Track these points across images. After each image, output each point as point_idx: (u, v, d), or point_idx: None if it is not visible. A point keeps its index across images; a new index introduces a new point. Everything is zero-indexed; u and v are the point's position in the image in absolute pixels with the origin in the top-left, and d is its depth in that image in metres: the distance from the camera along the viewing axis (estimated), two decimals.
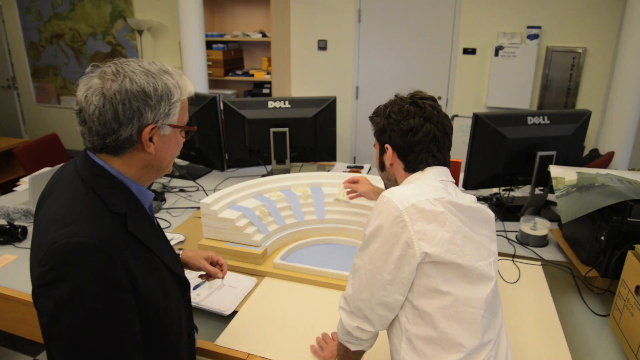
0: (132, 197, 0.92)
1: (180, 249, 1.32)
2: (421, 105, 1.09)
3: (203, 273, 1.30)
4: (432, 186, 1.03)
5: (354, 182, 1.75)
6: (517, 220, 2.03)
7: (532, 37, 3.94)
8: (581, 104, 4.01)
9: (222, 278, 1.29)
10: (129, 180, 0.92)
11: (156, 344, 0.94)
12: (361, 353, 1.15)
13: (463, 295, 0.96)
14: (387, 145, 1.12)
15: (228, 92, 4.74)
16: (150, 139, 0.90)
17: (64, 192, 0.89)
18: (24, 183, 2.45)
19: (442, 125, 1.09)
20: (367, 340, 1.06)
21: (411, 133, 1.07)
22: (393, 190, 1.01)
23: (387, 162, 1.14)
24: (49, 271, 0.78)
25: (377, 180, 2.08)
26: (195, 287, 1.50)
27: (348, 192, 1.81)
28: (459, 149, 4.53)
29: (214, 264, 1.31)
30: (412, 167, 1.10)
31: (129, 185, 0.92)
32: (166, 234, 1.50)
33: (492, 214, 1.11)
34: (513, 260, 1.74)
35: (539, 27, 3.91)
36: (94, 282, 0.79)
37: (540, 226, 1.89)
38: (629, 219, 1.44)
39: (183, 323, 1.04)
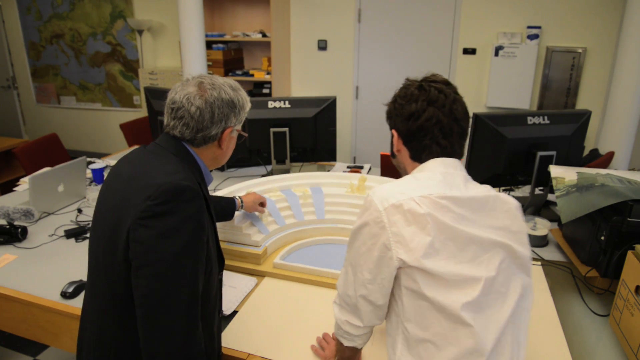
0: (201, 174, 1.11)
1: (237, 197, 1.72)
2: (426, 88, 1.04)
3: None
4: (426, 180, 0.98)
5: None
6: None
7: (532, 37, 3.94)
8: (581, 104, 4.01)
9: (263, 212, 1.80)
10: (201, 161, 1.11)
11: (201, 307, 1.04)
12: (356, 350, 1.15)
13: (448, 300, 0.91)
14: (393, 131, 1.09)
15: None
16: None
17: (156, 156, 1.05)
18: (24, 183, 2.45)
19: (450, 110, 1.02)
20: (358, 336, 1.07)
21: (413, 118, 1.03)
22: (378, 188, 0.99)
23: (394, 149, 1.11)
24: (159, 205, 0.92)
25: (378, 180, 2.08)
26: None
27: None
28: None
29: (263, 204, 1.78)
30: (417, 154, 1.05)
31: (200, 165, 1.11)
32: None
33: (510, 202, 1.02)
34: None
35: (539, 27, 3.91)
36: (192, 220, 0.95)
37: (540, 226, 1.89)
38: (629, 219, 1.44)
39: (218, 298, 1.16)
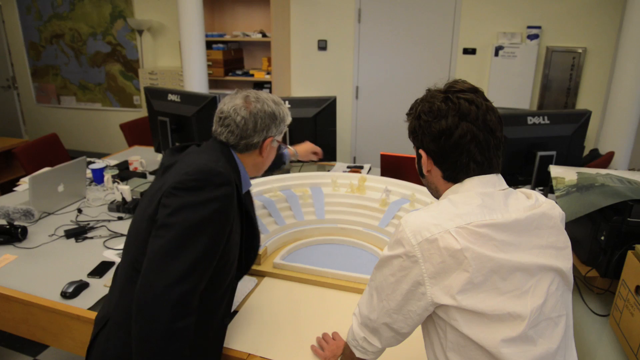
0: (239, 178, 1.22)
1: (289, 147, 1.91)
2: (454, 101, 0.93)
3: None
4: (463, 205, 0.89)
5: None
6: None
7: (532, 37, 3.94)
8: (581, 104, 4.01)
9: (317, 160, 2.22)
10: (242, 165, 1.26)
11: (202, 306, 1.10)
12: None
13: (487, 337, 0.85)
14: (421, 151, 0.99)
15: (228, 92, 4.71)
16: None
17: (205, 150, 1.21)
18: (24, 183, 2.45)
19: (484, 122, 0.92)
20: (372, 352, 1.03)
21: (444, 136, 0.93)
22: (410, 217, 0.90)
23: (424, 169, 1.01)
24: (192, 180, 1.06)
25: (378, 180, 2.08)
26: None
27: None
28: None
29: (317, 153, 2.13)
30: (452, 174, 0.96)
31: (240, 168, 1.25)
32: None
33: (555, 216, 0.94)
34: None
35: (539, 27, 3.91)
36: (216, 201, 1.05)
37: None
38: (629, 219, 1.44)
39: (225, 303, 1.23)
